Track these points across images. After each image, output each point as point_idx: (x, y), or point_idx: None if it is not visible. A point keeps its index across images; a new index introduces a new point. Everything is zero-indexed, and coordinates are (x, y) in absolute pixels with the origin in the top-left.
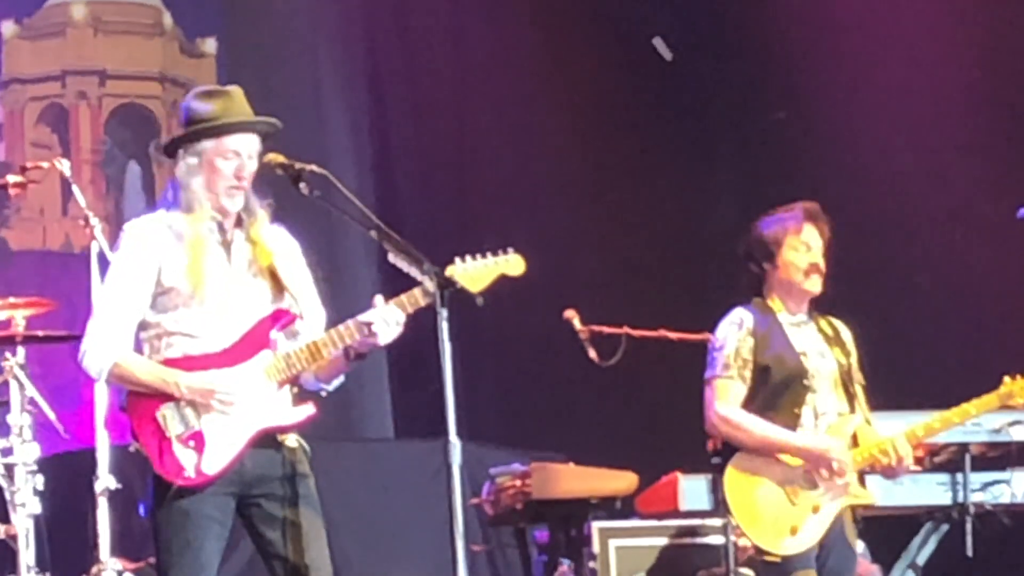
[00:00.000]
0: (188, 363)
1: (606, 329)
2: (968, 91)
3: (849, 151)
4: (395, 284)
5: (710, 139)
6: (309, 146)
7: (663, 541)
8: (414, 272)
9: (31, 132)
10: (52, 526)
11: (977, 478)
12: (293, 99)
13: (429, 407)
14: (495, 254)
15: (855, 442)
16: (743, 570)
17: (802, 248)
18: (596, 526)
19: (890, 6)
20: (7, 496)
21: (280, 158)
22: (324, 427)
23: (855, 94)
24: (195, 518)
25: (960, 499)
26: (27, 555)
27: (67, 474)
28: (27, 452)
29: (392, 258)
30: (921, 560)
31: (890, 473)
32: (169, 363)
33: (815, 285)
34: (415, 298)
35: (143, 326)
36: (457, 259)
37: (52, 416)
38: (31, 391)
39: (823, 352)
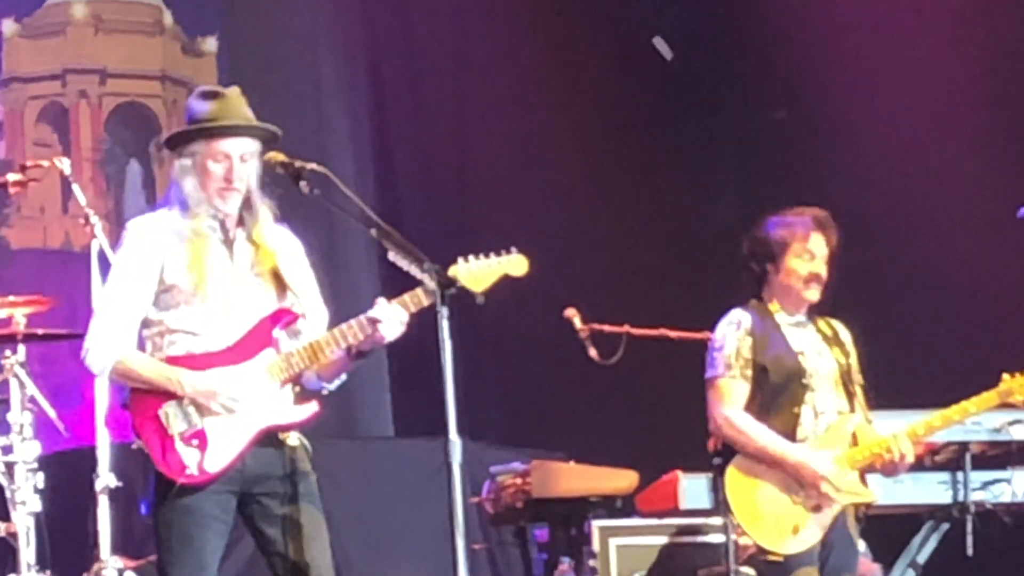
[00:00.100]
0: (190, 361)
1: (606, 328)
2: (969, 91)
3: (850, 150)
4: (395, 283)
5: (710, 138)
6: (309, 145)
7: (663, 540)
8: (414, 270)
9: (31, 131)
10: (52, 524)
11: (977, 477)
12: (293, 98)
13: (429, 405)
14: (498, 254)
15: (855, 441)
16: (744, 569)
17: (806, 256)
18: (596, 525)
19: (891, 5)
20: (7, 494)
21: (281, 156)
22: (324, 425)
23: (856, 93)
24: (197, 516)
25: (960, 498)
26: (27, 553)
27: (67, 472)
28: (27, 450)
29: (392, 256)
30: (922, 559)
31: (891, 471)
32: (171, 361)
33: (814, 294)
34: (418, 297)
35: (146, 324)
36: (460, 259)
37: (52, 414)
38: (31, 389)
39: (821, 351)
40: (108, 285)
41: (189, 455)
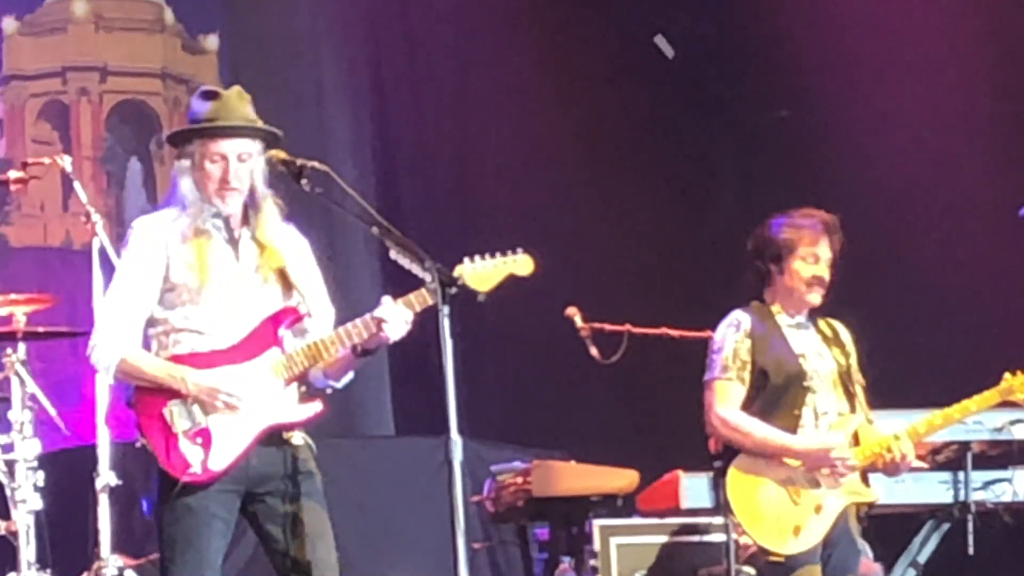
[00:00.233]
0: (195, 359)
1: (608, 327)
2: (970, 90)
3: (851, 150)
4: (396, 281)
5: (712, 137)
6: (310, 143)
7: (664, 539)
8: (415, 269)
9: (32, 128)
10: (53, 522)
11: (979, 476)
12: (294, 96)
13: (430, 404)
14: (504, 254)
15: (856, 441)
16: (744, 568)
17: (811, 259)
18: (597, 524)
19: (893, 4)
20: (8, 492)
21: (282, 155)
22: (325, 424)
23: (858, 93)
24: (199, 515)
25: (962, 497)
26: (28, 551)
27: (68, 470)
28: (28, 448)
29: (394, 255)
30: (922, 558)
31: (892, 471)
32: (176, 359)
33: (816, 298)
34: (424, 297)
35: (151, 322)
36: (466, 259)
37: (53, 412)
38: (32, 387)
39: (822, 353)
40: (113, 284)
41: (193, 453)
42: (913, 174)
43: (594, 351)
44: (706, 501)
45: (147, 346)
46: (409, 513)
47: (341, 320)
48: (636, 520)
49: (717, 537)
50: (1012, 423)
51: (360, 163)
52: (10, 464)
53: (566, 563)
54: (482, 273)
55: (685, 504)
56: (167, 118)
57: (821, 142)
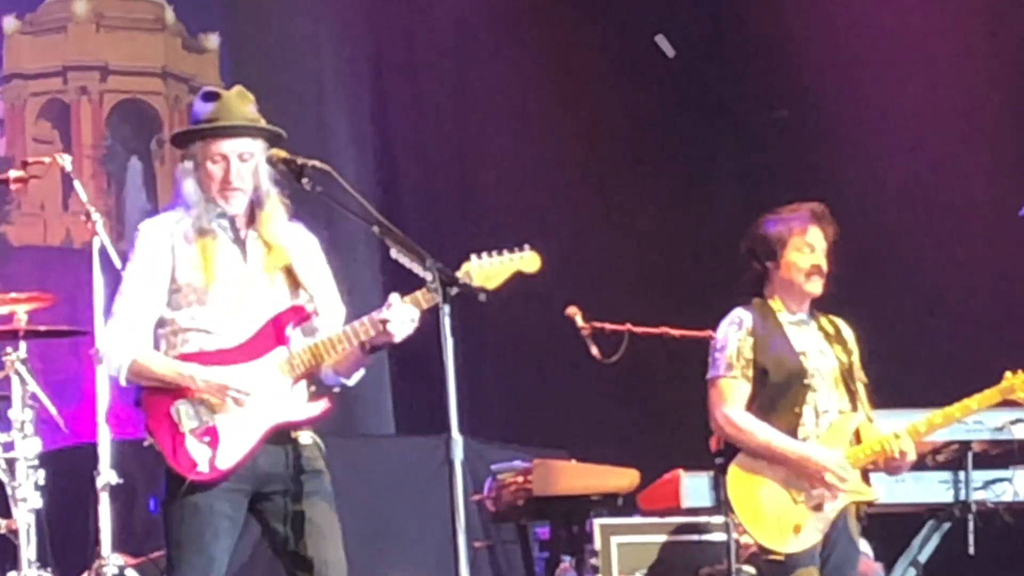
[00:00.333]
0: (202, 358)
1: (608, 326)
2: (970, 90)
3: (851, 149)
4: (397, 281)
5: (712, 136)
6: (310, 142)
7: (665, 538)
8: (416, 268)
9: (32, 128)
10: (53, 521)
11: (979, 476)
12: (295, 95)
13: (431, 403)
14: (511, 251)
15: (857, 439)
16: (745, 567)
17: (806, 249)
18: (598, 523)
19: (893, 4)
20: (8, 491)
21: (282, 153)
22: (325, 423)
23: (857, 92)
24: (206, 513)
25: (962, 497)
26: (28, 550)
27: (68, 469)
28: (28, 447)
29: (394, 254)
30: (923, 558)
31: (893, 469)
32: (184, 358)
33: (816, 287)
34: (431, 295)
35: (160, 323)
36: (473, 256)
37: (53, 411)
38: (32, 386)
39: (823, 351)
40: (121, 288)
41: (200, 452)
42: (913, 174)
43: (595, 350)
44: (707, 500)
45: (156, 347)
46: (410, 512)
47: (345, 319)
48: (637, 519)
49: (718, 536)
50: (1013, 422)
51: (361, 162)
52: (11, 462)
53: (567, 562)
54: (489, 270)
55: (686, 503)
56: (168, 117)
57: (821, 142)
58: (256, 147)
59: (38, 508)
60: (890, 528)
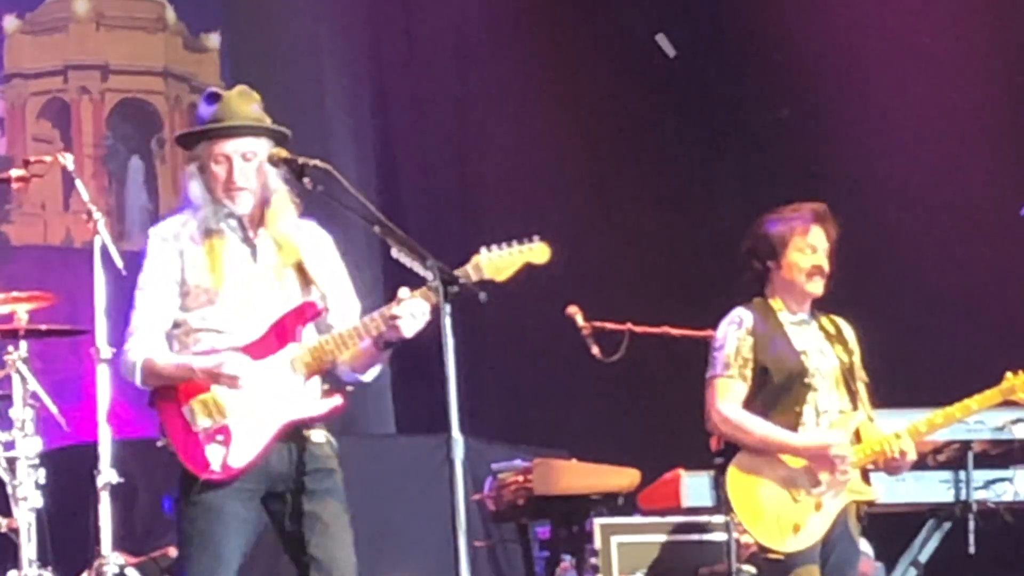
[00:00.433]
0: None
1: (609, 325)
2: (971, 90)
3: (852, 149)
4: (398, 280)
5: (713, 135)
6: (311, 141)
7: (665, 538)
8: (417, 267)
9: (33, 127)
10: (54, 520)
11: (980, 476)
12: (296, 94)
13: (431, 402)
14: (520, 242)
15: (858, 439)
16: (745, 567)
17: (807, 250)
18: (598, 522)
19: (894, 4)
20: (9, 490)
21: (283, 153)
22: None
23: (859, 92)
24: (219, 512)
25: (963, 497)
26: (29, 549)
27: (69, 468)
28: (29, 446)
29: (395, 253)
30: (923, 557)
31: (893, 469)
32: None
33: (817, 287)
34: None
35: (173, 325)
36: (483, 248)
37: (54, 410)
38: (33, 385)
39: (824, 350)
40: (135, 295)
41: (213, 451)
42: (913, 174)
43: (595, 350)
44: (707, 500)
45: (171, 348)
46: (410, 511)
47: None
48: (637, 519)
49: (718, 536)
50: (1013, 422)
51: (361, 161)
52: (11, 461)
53: (567, 562)
54: (498, 262)
55: (686, 503)
56: (168, 117)
57: (822, 141)
58: (260, 146)
59: (39, 507)
60: (890, 528)
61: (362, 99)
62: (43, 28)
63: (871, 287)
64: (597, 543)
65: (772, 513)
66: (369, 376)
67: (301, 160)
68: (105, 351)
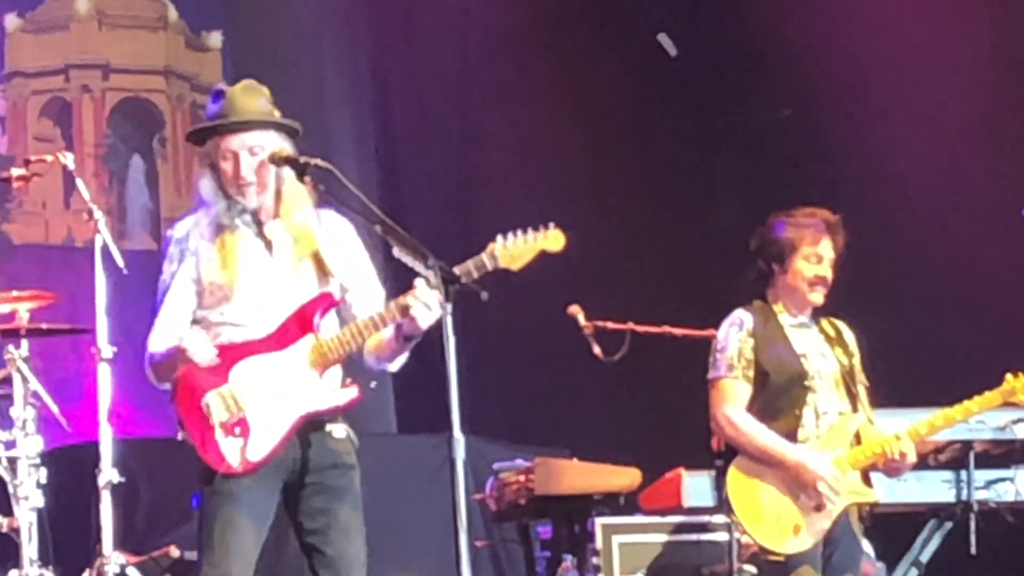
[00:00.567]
0: (229, 350)
1: (610, 325)
2: (973, 90)
3: (853, 149)
4: (399, 280)
5: (715, 135)
6: (313, 140)
7: (666, 538)
8: (418, 267)
9: (34, 126)
10: (55, 519)
11: (981, 476)
12: (297, 93)
13: (432, 402)
14: (535, 230)
15: (858, 441)
16: (746, 567)
17: (813, 259)
18: (599, 522)
19: (895, 4)
20: (10, 489)
21: (285, 152)
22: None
23: (859, 92)
24: (236, 505)
25: (964, 497)
26: (30, 548)
27: (70, 467)
28: (30, 445)
29: (397, 253)
30: (925, 557)
31: (893, 471)
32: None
33: (818, 297)
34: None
35: (194, 321)
36: (499, 236)
37: (55, 409)
38: (34, 384)
39: (824, 353)
40: (158, 298)
41: (231, 444)
42: (914, 174)
43: (597, 349)
44: (708, 500)
45: None
46: (411, 511)
47: None
48: (638, 518)
49: (719, 536)
50: (1015, 422)
51: (362, 161)
52: (12, 461)
53: (568, 561)
54: (513, 250)
55: (687, 503)
56: (170, 115)
57: (823, 141)
58: (266, 139)
59: (40, 506)
60: (892, 528)
61: (363, 98)
62: (44, 27)
63: (872, 287)
64: (598, 543)
65: (772, 514)
66: (395, 365)
67: (303, 159)
68: (106, 350)
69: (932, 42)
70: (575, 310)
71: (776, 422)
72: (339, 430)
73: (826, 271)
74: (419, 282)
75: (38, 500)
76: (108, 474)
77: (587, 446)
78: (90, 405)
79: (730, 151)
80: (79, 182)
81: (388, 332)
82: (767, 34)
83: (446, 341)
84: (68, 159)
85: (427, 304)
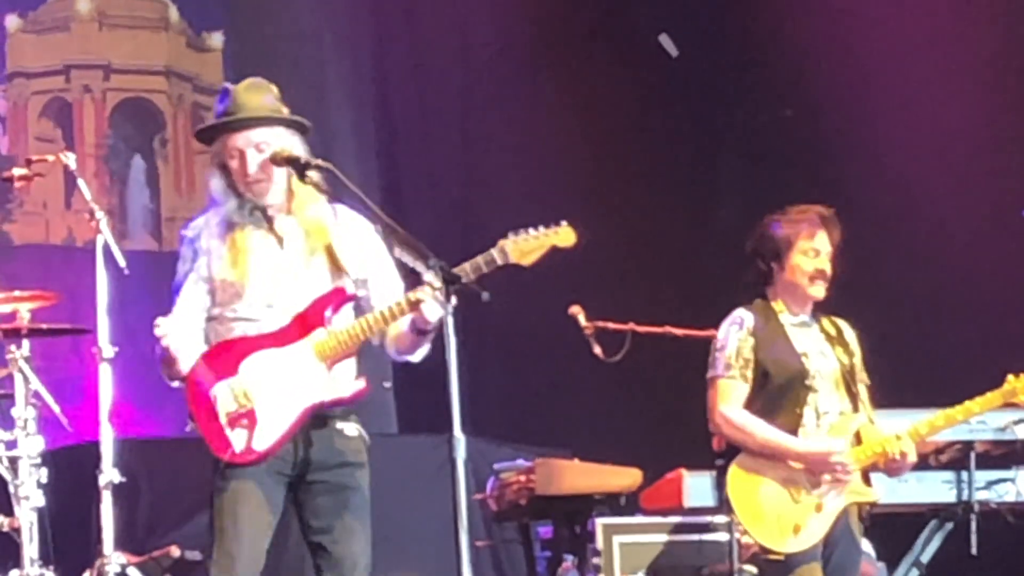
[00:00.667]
0: (240, 343)
1: (611, 325)
2: (974, 90)
3: (854, 149)
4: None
5: (716, 136)
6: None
7: (667, 538)
8: (419, 267)
9: (35, 126)
10: (56, 519)
11: (982, 476)
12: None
13: (433, 402)
14: (546, 226)
15: (858, 440)
16: (747, 567)
17: (811, 253)
18: (600, 522)
19: (897, 3)
20: (11, 489)
21: (286, 152)
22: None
23: (861, 92)
24: (244, 495)
25: (965, 497)
26: (30, 548)
27: (71, 467)
28: (31, 445)
29: (398, 253)
30: (925, 558)
31: (893, 471)
32: (227, 344)
33: (819, 291)
34: (466, 270)
35: (208, 318)
36: (510, 233)
37: (56, 409)
38: (35, 384)
39: (825, 352)
40: (173, 298)
41: (238, 435)
42: (918, 172)
43: (597, 349)
44: (709, 500)
45: (207, 340)
46: (412, 511)
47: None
48: (639, 519)
49: (720, 536)
50: (1016, 423)
51: (363, 161)
52: (13, 461)
53: (569, 561)
54: (524, 246)
55: (688, 503)
56: (171, 116)
57: (825, 141)
58: (272, 135)
59: (40, 506)
60: (892, 528)
61: (365, 99)
62: (45, 27)
63: (872, 287)
64: (599, 543)
65: (773, 514)
66: (418, 356)
67: (304, 159)
68: (107, 350)
69: (932, 42)
70: (576, 310)
71: (776, 421)
72: (351, 428)
73: (824, 264)
74: (430, 276)
75: (39, 500)
76: (109, 474)
77: (588, 446)
78: (91, 405)
79: (730, 151)
80: (80, 182)
81: (404, 324)
82: (767, 34)
83: (447, 341)
84: (70, 159)
85: (437, 298)
